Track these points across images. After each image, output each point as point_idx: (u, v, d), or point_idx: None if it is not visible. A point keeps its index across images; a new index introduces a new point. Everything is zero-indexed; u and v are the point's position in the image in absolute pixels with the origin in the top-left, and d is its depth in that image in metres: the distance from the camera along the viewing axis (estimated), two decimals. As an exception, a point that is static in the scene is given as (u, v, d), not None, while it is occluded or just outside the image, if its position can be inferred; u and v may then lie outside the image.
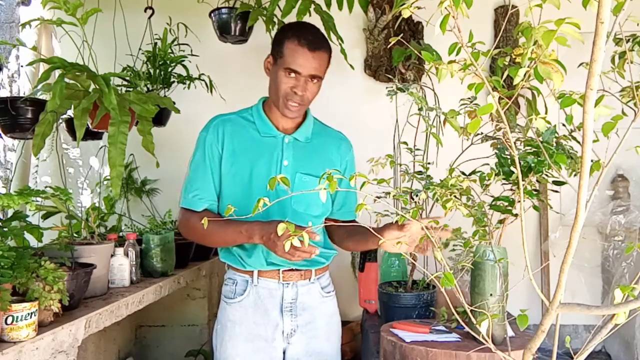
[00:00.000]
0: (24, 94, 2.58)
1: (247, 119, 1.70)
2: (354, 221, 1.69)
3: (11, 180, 2.45)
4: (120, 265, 1.90)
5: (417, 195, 1.52)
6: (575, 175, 1.25)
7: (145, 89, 2.42)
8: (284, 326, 1.65)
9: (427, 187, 1.52)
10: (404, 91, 2.09)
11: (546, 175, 1.30)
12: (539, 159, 1.26)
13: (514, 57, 1.00)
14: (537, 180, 1.32)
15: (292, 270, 1.65)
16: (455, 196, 1.30)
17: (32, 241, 1.80)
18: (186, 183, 1.69)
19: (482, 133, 1.56)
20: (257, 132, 1.67)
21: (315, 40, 1.61)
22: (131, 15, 2.80)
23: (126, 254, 1.94)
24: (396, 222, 1.44)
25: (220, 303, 1.74)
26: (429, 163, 1.78)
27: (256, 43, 2.67)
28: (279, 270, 1.64)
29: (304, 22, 1.87)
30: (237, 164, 1.64)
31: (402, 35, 2.55)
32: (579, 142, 1.18)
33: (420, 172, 1.74)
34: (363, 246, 1.78)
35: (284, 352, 1.67)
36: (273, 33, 2.29)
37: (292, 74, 1.58)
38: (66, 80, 1.81)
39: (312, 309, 1.68)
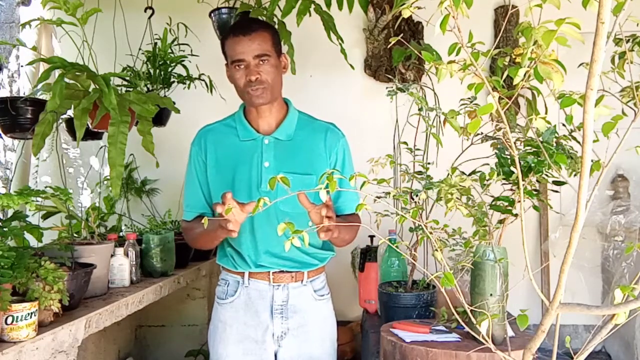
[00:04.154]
0: (24, 94, 2.58)
1: (230, 125, 1.71)
2: (355, 214, 1.67)
3: (11, 180, 2.45)
4: (120, 265, 1.90)
5: (417, 195, 1.52)
6: (575, 175, 1.25)
7: (145, 89, 2.42)
8: (274, 328, 1.64)
9: (428, 187, 1.52)
10: (404, 91, 2.09)
11: (546, 175, 1.29)
12: (539, 159, 1.26)
13: (514, 57, 1.00)
14: (537, 180, 1.32)
15: (282, 272, 1.65)
16: (455, 196, 1.30)
17: (32, 241, 1.80)
18: (183, 195, 1.76)
19: (482, 133, 1.55)
20: (237, 138, 1.68)
21: (247, 25, 1.64)
22: (131, 15, 2.80)
23: (126, 254, 1.94)
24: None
25: (214, 303, 1.74)
26: (429, 163, 1.78)
27: (256, 43, 2.66)
28: (269, 272, 1.64)
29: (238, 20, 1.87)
30: (220, 171, 1.67)
31: (402, 35, 2.55)
32: (579, 142, 1.18)
33: (420, 172, 1.73)
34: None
35: (275, 355, 1.66)
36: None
37: (241, 65, 1.60)
38: (66, 80, 1.81)
39: (304, 312, 1.66)
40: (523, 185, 1.26)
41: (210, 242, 1.68)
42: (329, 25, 2.43)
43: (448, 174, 1.38)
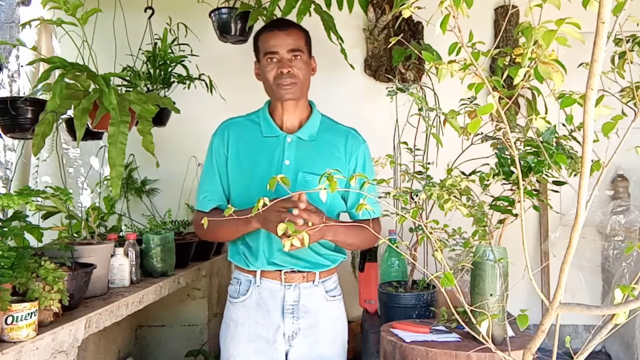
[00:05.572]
0: (24, 94, 2.58)
1: (254, 121, 1.73)
2: (375, 219, 1.68)
3: (11, 180, 2.44)
4: (120, 265, 1.90)
5: (417, 195, 1.52)
6: (575, 175, 1.25)
7: (145, 89, 2.42)
8: (285, 328, 1.64)
9: (427, 190, 1.52)
10: (404, 91, 2.09)
11: (546, 175, 1.29)
12: (539, 159, 1.26)
13: (514, 57, 1.00)
14: (537, 180, 1.32)
15: (294, 271, 1.65)
16: (454, 196, 1.30)
17: (32, 241, 1.80)
18: (198, 186, 1.77)
19: (482, 133, 1.55)
20: (260, 134, 1.69)
21: (283, 22, 1.69)
22: (131, 15, 2.80)
23: (126, 254, 1.94)
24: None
25: (226, 302, 1.75)
26: (429, 163, 1.78)
27: (256, 43, 2.66)
28: (280, 271, 1.65)
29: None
30: (241, 165, 1.68)
31: (402, 35, 2.55)
32: (579, 142, 1.18)
33: (420, 172, 1.73)
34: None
35: (286, 355, 1.66)
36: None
37: (273, 57, 1.62)
38: (66, 80, 1.81)
39: (315, 313, 1.67)
40: (523, 185, 1.26)
41: (232, 234, 1.69)
42: (329, 25, 2.43)
43: (446, 176, 1.39)
